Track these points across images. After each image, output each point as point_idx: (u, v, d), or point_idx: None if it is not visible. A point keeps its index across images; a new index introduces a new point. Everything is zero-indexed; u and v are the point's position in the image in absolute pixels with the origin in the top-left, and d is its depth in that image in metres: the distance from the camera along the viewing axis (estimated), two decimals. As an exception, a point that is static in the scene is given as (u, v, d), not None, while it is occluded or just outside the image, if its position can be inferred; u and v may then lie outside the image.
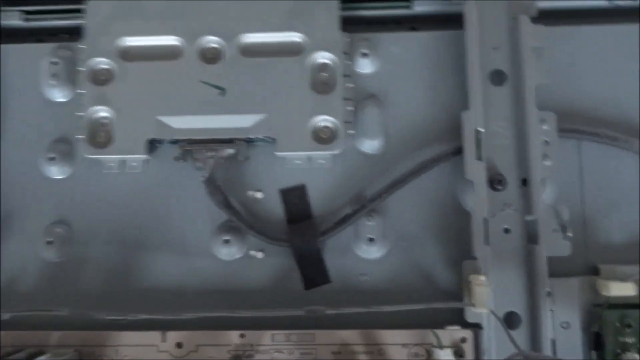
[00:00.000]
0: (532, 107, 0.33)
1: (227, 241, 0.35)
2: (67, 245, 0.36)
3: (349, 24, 0.37)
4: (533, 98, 0.33)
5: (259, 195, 0.36)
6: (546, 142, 0.34)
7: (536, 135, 0.33)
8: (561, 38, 0.35)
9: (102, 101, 0.36)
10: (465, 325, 0.33)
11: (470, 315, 0.32)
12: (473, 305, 0.31)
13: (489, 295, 0.32)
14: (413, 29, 0.38)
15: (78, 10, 0.38)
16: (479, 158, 0.33)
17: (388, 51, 0.37)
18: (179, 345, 0.34)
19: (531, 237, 0.33)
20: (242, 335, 0.34)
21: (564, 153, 0.35)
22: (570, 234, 0.32)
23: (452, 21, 0.37)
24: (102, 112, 0.36)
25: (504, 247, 0.33)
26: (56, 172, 0.37)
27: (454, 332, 0.33)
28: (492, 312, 0.31)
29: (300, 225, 0.35)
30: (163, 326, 0.34)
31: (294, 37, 0.36)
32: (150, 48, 0.36)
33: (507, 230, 0.33)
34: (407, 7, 0.37)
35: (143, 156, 0.35)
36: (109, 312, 0.33)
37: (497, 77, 0.34)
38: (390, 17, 0.37)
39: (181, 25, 0.36)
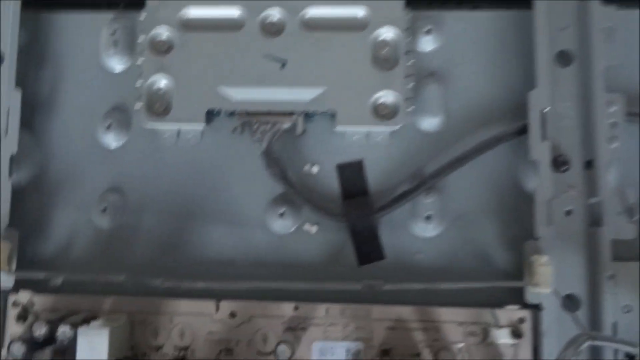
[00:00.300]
0: (600, 89, 0.33)
1: (282, 214, 0.35)
2: (120, 214, 0.36)
3: (411, 1, 0.36)
4: (601, 80, 0.33)
5: (315, 169, 0.36)
6: (613, 124, 0.33)
7: (603, 117, 0.33)
8: (631, 20, 0.35)
9: (162, 71, 0.36)
10: (524, 305, 0.33)
11: (531, 295, 0.32)
12: (536, 285, 0.31)
13: (551, 275, 0.31)
14: (475, 7, 0.37)
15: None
16: (544, 138, 0.33)
17: (450, 29, 0.36)
18: (232, 314, 0.34)
19: (594, 219, 0.33)
20: (296, 308, 0.34)
21: (629, 136, 0.34)
22: (636, 217, 0.32)
23: (514, 0, 0.36)
24: (161, 81, 0.36)
25: (566, 228, 0.33)
26: (112, 140, 0.37)
27: (512, 313, 0.32)
28: (555, 292, 0.31)
29: (356, 201, 0.35)
30: (216, 296, 0.34)
31: (357, 12, 0.35)
32: (211, 19, 0.36)
33: (569, 212, 0.33)
34: (472, -16, 0.37)
35: (200, 127, 0.35)
36: (165, 279, 0.33)
37: (565, 58, 0.34)
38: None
39: (243, -2, 0.36)
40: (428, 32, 0.36)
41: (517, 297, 0.33)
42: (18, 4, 0.36)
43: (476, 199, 0.35)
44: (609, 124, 0.33)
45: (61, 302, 0.34)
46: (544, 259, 0.31)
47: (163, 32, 0.36)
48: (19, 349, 0.32)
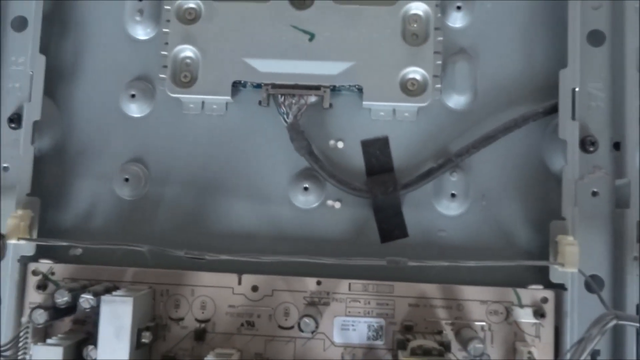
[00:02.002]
0: (632, 70, 0.33)
1: (306, 189, 0.35)
2: (142, 184, 0.36)
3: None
4: (633, 61, 0.33)
5: (340, 145, 0.36)
6: (643, 106, 0.33)
7: (634, 98, 0.33)
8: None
9: (188, 40, 0.35)
10: (547, 285, 0.33)
11: (555, 275, 0.32)
12: (562, 264, 0.31)
13: (577, 255, 0.31)
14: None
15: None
16: (574, 118, 0.33)
17: (480, 6, 0.36)
18: (254, 288, 0.34)
19: (621, 201, 0.33)
20: (318, 283, 0.34)
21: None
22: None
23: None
24: (187, 51, 0.35)
25: (591, 209, 0.32)
26: (135, 109, 0.36)
27: (536, 292, 0.32)
28: (581, 272, 0.31)
29: (381, 177, 0.35)
30: (238, 270, 0.34)
31: (389, -16, 0.36)
32: (239, -12, 0.36)
33: (595, 193, 0.33)
34: (504, -39, 0.36)
35: (226, 98, 0.35)
36: (188, 251, 0.33)
37: (596, 38, 0.34)
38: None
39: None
40: (459, 8, 0.35)
41: (540, 277, 0.33)
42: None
43: (501, 178, 0.35)
44: (639, 105, 0.33)
45: (82, 272, 0.34)
46: (570, 238, 0.31)
47: (190, 1, 0.35)
48: (41, 315, 0.31)
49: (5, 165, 0.35)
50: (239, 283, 0.34)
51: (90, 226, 0.36)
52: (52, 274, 0.34)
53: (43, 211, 0.35)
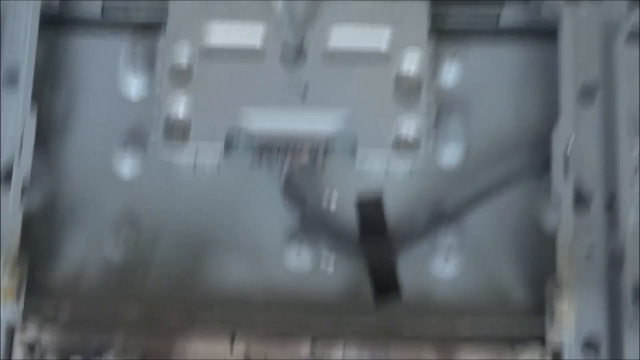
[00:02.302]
0: (624, 130, 0.33)
1: (299, 249, 0.34)
2: (133, 245, 0.35)
3: (432, 32, 0.36)
4: (625, 120, 0.33)
5: (333, 204, 0.35)
6: (635, 169, 0.33)
7: (626, 159, 0.33)
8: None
9: (180, 98, 0.35)
10: (544, 346, 0.32)
11: (552, 337, 0.32)
12: (557, 327, 0.31)
13: (573, 317, 0.31)
14: (495, 40, 0.37)
15: (158, 7, 0.37)
16: (567, 178, 0.33)
17: (472, 62, 0.36)
18: (247, 356, 0.33)
19: (616, 262, 0.32)
20: (313, 343, 0.33)
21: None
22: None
23: (537, 34, 0.36)
24: (180, 109, 0.35)
25: (587, 270, 0.32)
26: (127, 169, 0.36)
27: (533, 352, 0.32)
28: (576, 335, 0.31)
29: (375, 238, 0.35)
30: (230, 330, 0.32)
31: (381, 42, 0.35)
32: (232, 47, 0.35)
33: (590, 254, 0.33)
34: (495, 19, 0.36)
35: (218, 158, 0.35)
36: (178, 315, 0.32)
37: (588, 97, 0.34)
38: (473, 28, 0.37)
39: (265, 26, 0.35)
40: (450, 64, 0.36)
41: (537, 338, 0.32)
42: (36, 23, 0.36)
43: (495, 237, 0.34)
44: (631, 167, 0.33)
45: (70, 334, 0.33)
46: (566, 301, 0.31)
47: (183, 59, 0.35)
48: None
49: (-9, 225, 0.35)
50: (232, 343, 0.32)
51: (80, 287, 0.35)
52: (39, 337, 0.33)
53: (31, 270, 0.34)
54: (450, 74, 0.36)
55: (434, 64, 0.35)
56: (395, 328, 0.32)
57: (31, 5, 0.36)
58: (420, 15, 0.35)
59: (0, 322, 0.33)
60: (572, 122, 0.33)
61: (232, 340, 0.33)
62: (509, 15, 0.36)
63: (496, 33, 0.37)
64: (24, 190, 0.34)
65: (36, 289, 0.35)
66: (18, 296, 0.33)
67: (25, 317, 0.33)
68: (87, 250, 0.35)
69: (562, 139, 0.33)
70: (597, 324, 0.32)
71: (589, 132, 0.33)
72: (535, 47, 0.36)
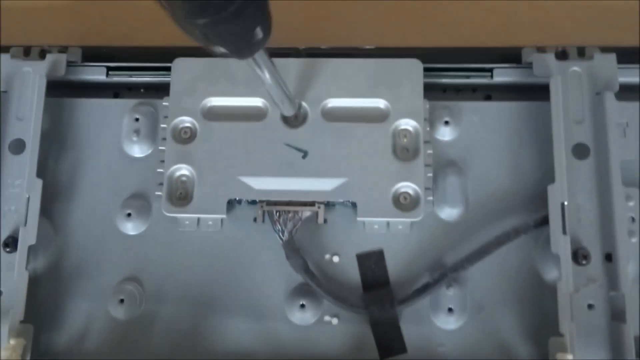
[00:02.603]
0: (618, 183, 0.33)
1: (302, 306, 0.35)
2: (137, 303, 0.36)
3: (426, 89, 0.37)
4: (618, 174, 0.34)
5: (335, 259, 0.36)
6: (632, 218, 0.34)
7: (622, 211, 0.33)
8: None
9: (183, 159, 0.36)
10: (550, 402, 0.33)
11: (557, 392, 0.32)
12: (562, 382, 0.31)
13: (577, 372, 0.31)
14: (488, 97, 0.38)
15: (160, 68, 0.39)
16: (565, 232, 0.33)
17: (467, 119, 0.37)
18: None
19: (617, 313, 0.33)
20: (318, 406, 0.33)
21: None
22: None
23: (527, 91, 0.37)
24: (183, 170, 0.36)
25: (588, 323, 0.32)
26: (131, 228, 0.37)
27: (539, 411, 0.32)
28: (583, 394, 0.31)
29: (377, 292, 0.35)
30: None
31: (378, 103, 0.36)
32: (233, 109, 0.37)
33: (591, 306, 0.33)
34: (488, 76, 0.37)
35: (221, 216, 0.35)
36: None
37: (581, 151, 0.35)
38: (467, 85, 0.38)
39: (264, 102, 0.36)
40: (447, 123, 0.37)
41: (542, 393, 0.33)
42: (43, 93, 0.36)
43: (497, 290, 0.35)
44: (627, 218, 0.34)
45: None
46: (570, 357, 0.31)
47: (186, 120, 0.36)
48: None
49: (-1, 289, 0.35)
50: None
51: (85, 349, 0.35)
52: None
53: (37, 333, 0.35)
54: (445, 131, 0.37)
55: (429, 122, 0.36)
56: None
57: (38, 76, 0.37)
58: (415, 74, 0.36)
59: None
60: (566, 176, 0.34)
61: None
62: (501, 72, 0.37)
63: (485, 89, 0.38)
64: (29, 257, 0.35)
65: (42, 352, 0.35)
66: (24, 361, 0.34)
67: (30, 381, 0.34)
68: (92, 310, 0.36)
69: (558, 193, 0.34)
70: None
71: (584, 185, 0.34)
72: (527, 103, 0.37)
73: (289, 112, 0.35)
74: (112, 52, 0.40)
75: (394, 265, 0.36)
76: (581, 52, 0.37)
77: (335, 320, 0.35)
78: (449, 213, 0.36)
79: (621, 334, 0.32)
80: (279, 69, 0.31)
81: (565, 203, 0.34)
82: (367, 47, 0.39)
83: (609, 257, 0.33)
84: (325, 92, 0.36)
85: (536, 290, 0.35)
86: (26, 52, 0.39)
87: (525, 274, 0.35)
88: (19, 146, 0.36)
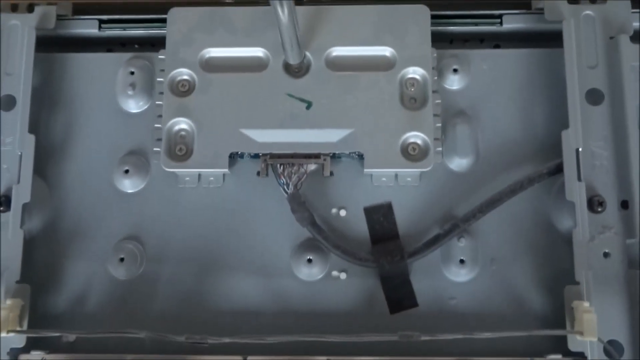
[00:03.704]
0: (634, 128, 0.32)
1: (309, 260, 0.34)
2: (138, 263, 0.34)
3: (433, 40, 0.35)
4: (634, 118, 0.33)
5: (342, 213, 0.35)
6: (648, 163, 0.33)
7: (638, 157, 0.32)
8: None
9: (182, 113, 0.34)
10: (565, 354, 0.31)
11: (574, 344, 0.31)
12: (580, 333, 0.30)
13: (596, 323, 0.30)
14: (497, 47, 0.37)
15: (154, 20, 0.37)
16: (579, 179, 0.32)
17: (476, 68, 0.36)
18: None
19: (633, 261, 0.32)
20: (328, 362, 0.33)
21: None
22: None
23: (537, 39, 0.36)
24: (182, 124, 0.34)
25: (604, 271, 0.32)
26: (129, 185, 0.35)
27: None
28: (601, 340, 0.30)
29: (386, 246, 0.34)
30: (243, 351, 0.32)
31: (384, 51, 0.35)
32: (233, 59, 0.35)
33: (607, 254, 0.32)
34: (497, 23, 0.36)
35: (223, 170, 0.34)
36: (189, 335, 0.31)
37: (595, 97, 0.34)
38: (475, 33, 0.37)
39: (266, 37, 0.35)
40: (455, 71, 0.35)
41: (557, 345, 0.32)
42: (32, 46, 0.35)
43: (510, 241, 0.34)
44: (644, 163, 0.33)
45: (76, 360, 0.33)
46: (586, 305, 0.30)
47: (183, 73, 0.35)
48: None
49: (-8, 250, 0.34)
50: None
51: (84, 310, 0.34)
52: (44, 365, 0.33)
53: (34, 296, 0.34)
54: (454, 80, 0.35)
55: (437, 71, 0.35)
56: (412, 345, 0.31)
57: (26, 28, 0.35)
58: (422, 20, 0.34)
59: (4, 354, 0.32)
60: (581, 121, 0.33)
61: (246, 359, 0.32)
62: (510, 19, 0.36)
63: (493, 38, 0.37)
64: (24, 216, 0.33)
65: (40, 316, 0.34)
66: (21, 325, 0.32)
67: (29, 346, 0.32)
68: (91, 271, 0.34)
69: (572, 139, 0.33)
70: (618, 326, 0.31)
71: (598, 131, 0.33)
72: (537, 50, 0.36)
73: (295, 59, 0.33)
74: (103, 7, 0.38)
75: (402, 219, 0.34)
76: (593, -4, 0.36)
77: (343, 275, 0.34)
78: (458, 163, 0.35)
79: (637, 282, 0.31)
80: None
81: (580, 149, 0.33)
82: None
83: (624, 205, 0.33)
84: (329, 40, 0.35)
85: (549, 240, 0.34)
86: (13, 8, 0.37)
87: (539, 224, 0.34)
88: (9, 102, 0.35)
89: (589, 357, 0.31)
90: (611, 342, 0.31)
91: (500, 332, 0.30)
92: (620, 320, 0.31)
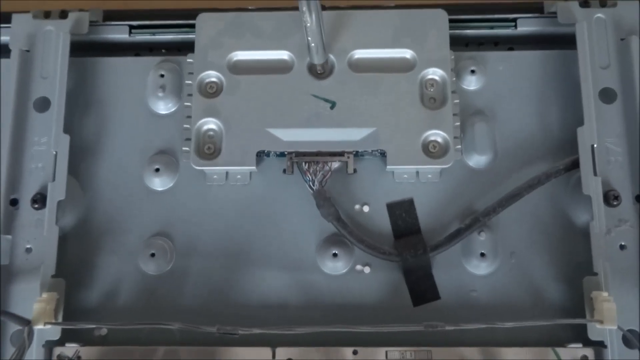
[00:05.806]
0: (645, 124, 0.34)
1: (335, 255, 0.35)
2: (168, 258, 0.35)
3: (452, 43, 0.37)
4: (647, 114, 0.34)
5: (366, 208, 0.36)
6: (661, 158, 0.34)
7: (650, 151, 0.34)
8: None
9: (210, 113, 0.36)
10: (585, 343, 0.32)
11: (593, 333, 0.32)
12: (600, 322, 0.31)
13: (615, 311, 0.31)
14: (511, 49, 0.39)
15: (182, 26, 0.39)
16: (595, 174, 0.34)
17: (493, 69, 0.37)
18: (289, 364, 0.33)
19: (649, 252, 0.33)
20: (355, 352, 0.33)
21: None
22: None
23: (550, 41, 0.38)
24: (210, 124, 0.36)
25: (621, 263, 0.33)
26: (159, 183, 0.37)
27: (575, 351, 0.32)
28: (620, 328, 0.31)
29: (409, 240, 0.35)
30: (272, 342, 0.33)
31: (404, 53, 0.36)
32: (259, 62, 0.37)
33: (623, 247, 0.33)
34: (512, 27, 0.38)
35: (250, 168, 0.35)
36: (220, 327, 0.32)
37: (608, 96, 0.35)
38: (490, 37, 0.38)
39: (291, 41, 0.36)
40: (473, 72, 0.37)
41: (577, 334, 0.33)
42: (67, 50, 0.36)
43: (528, 235, 0.35)
44: (656, 158, 0.34)
45: (109, 353, 0.33)
46: (605, 294, 0.32)
47: (212, 75, 0.36)
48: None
49: (28, 246, 0.34)
50: (273, 357, 0.33)
51: (117, 304, 0.35)
52: (79, 357, 0.33)
53: (68, 291, 0.35)
54: (472, 81, 0.37)
55: (455, 71, 0.36)
56: (436, 335, 0.32)
57: (61, 34, 0.37)
58: (440, 24, 0.36)
59: (39, 346, 0.32)
60: (595, 120, 0.34)
61: (274, 351, 0.33)
62: (525, 22, 0.37)
63: (507, 41, 0.38)
64: (58, 213, 0.34)
65: (73, 309, 0.35)
66: (56, 318, 0.33)
67: (63, 339, 0.33)
68: (123, 266, 0.35)
69: (587, 135, 0.34)
70: (636, 315, 0.32)
71: (612, 128, 0.34)
72: (550, 52, 0.37)
73: (320, 60, 0.35)
74: (133, 14, 0.40)
75: (424, 214, 0.36)
76: (603, 1, 0.37)
77: (367, 269, 0.35)
78: (477, 160, 0.36)
79: (654, 272, 0.33)
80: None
81: (595, 145, 0.34)
82: (388, 4, 0.38)
83: (639, 199, 0.34)
84: (351, 43, 0.36)
85: (567, 233, 0.35)
86: (46, 15, 0.38)
87: (556, 217, 0.35)
88: (43, 104, 0.36)
89: (609, 345, 0.32)
90: (631, 332, 0.32)
91: (523, 322, 0.32)
92: (637, 310, 0.32)
